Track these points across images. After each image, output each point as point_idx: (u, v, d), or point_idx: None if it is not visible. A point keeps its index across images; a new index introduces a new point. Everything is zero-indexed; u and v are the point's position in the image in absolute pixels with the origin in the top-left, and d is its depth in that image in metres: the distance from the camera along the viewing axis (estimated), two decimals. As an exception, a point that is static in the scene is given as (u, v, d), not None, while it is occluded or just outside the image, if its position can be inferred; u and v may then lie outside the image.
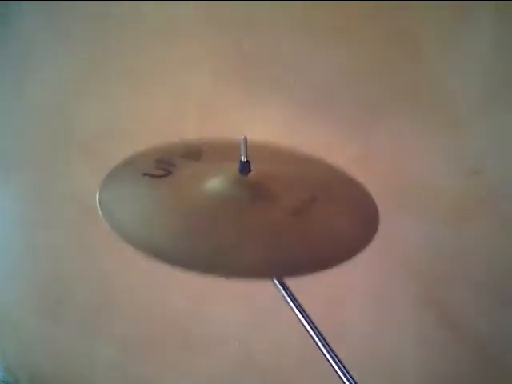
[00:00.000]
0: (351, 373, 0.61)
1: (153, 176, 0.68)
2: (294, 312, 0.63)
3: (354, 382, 0.61)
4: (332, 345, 0.62)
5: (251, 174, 0.65)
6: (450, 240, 0.86)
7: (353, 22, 0.86)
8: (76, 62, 1.24)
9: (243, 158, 0.65)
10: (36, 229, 1.47)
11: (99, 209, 0.59)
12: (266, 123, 0.99)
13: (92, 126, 1.25)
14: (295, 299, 0.63)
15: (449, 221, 0.85)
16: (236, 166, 0.65)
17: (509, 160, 0.78)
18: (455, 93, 0.81)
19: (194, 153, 0.72)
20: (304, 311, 0.63)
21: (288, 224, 0.59)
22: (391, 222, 0.83)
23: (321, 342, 0.61)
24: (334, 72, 0.90)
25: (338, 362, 0.61)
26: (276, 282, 0.64)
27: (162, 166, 0.69)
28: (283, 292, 0.64)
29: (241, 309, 1.13)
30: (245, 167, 0.65)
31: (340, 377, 0.61)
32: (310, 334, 0.62)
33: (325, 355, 0.61)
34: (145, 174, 0.69)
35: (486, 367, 0.88)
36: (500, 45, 0.76)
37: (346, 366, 0.61)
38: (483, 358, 0.87)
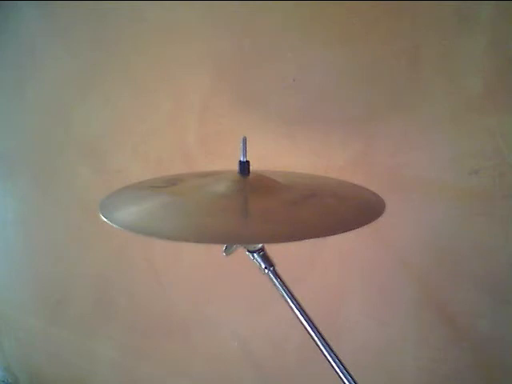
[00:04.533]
0: (351, 373, 0.61)
1: (156, 187, 0.68)
2: (294, 312, 0.63)
3: (354, 382, 0.61)
4: (332, 345, 0.62)
5: (252, 175, 0.65)
6: (450, 240, 0.86)
7: (352, 22, 0.86)
8: (76, 62, 1.24)
9: (243, 159, 0.65)
10: (36, 229, 1.47)
11: (100, 211, 0.58)
12: (266, 123, 0.99)
13: (92, 126, 1.25)
14: (295, 299, 0.63)
15: (448, 221, 0.85)
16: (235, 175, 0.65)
17: (509, 160, 0.78)
18: (455, 93, 0.81)
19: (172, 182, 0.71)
20: (304, 311, 0.63)
21: (286, 209, 0.59)
22: (390, 222, 0.83)
23: (321, 341, 0.61)
24: (333, 72, 0.90)
25: (338, 362, 0.61)
26: (276, 282, 0.64)
27: (159, 185, 0.69)
28: (283, 292, 0.64)
29: (241, 309, 1.13)
30: (244, 167, 0.65)
31: (340, 377, 0.61)
32: (309, 334, 0.62)
33: (325, 355, 0.61)
34: (148, 187, 0.69)
35: (486, 367, 0.88)
36: (499, 45, 0.76)
37: (345, 366, 0.61)
38: (483, 357, 0.87)
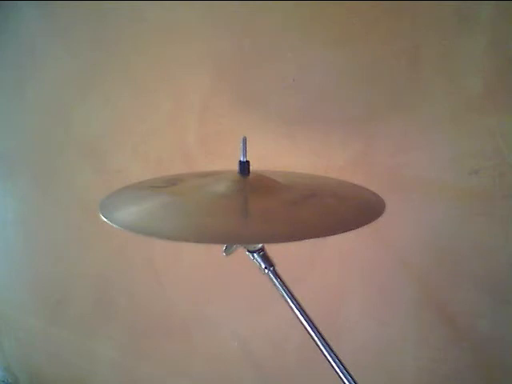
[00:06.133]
0: (351, 373, 0.61)
1: (156, 187, 0.68)
2: (294, 312, 0.63)
3: (354, 382, 0.61)
4: (332, 345, 0.62)
5: (252, 175, 0.65)
6: (450, 240, 0.86)
7: (352, 22, 0.86)
8: (76, 62, 1.24)
9: (243, 158, 0.65)
10: (36, 229, 1.47)
11: (100, 211, 0.58)
12: (266, 123, 0.99)
13: (92, 126, 1.25)
14: (295, 299, 0.63)
15: (448, 221, 0.85)
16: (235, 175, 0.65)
17: (509, 160, 0.78)
18: (455, 93, 0.81)
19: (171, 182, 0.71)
20: (304, 311, 0.63)
21: (286, 209, 0.59)
22: (390, 222, 0.83)
23: (320, 341, 0.61)
24: (333, 72, 0.90)
25: (338, 362, 0.61)
26: (276, 282, 0.64)
27: (159, 185, 0.69)
28: (283, 292, 0.64)
29: (241, 309, 1.13)
30: (244, 167, 0.65)
31: (340, 377, 0.61)
32: (309, 334, 0.62)
33: (325, 355, 0.61)
34: (148, 187, 0.69)
35: (486, 367, 0.88)
36: (499, 45, 0.76)
37: (345, 366, 0.61)
38: (483, 357, 0.87)
